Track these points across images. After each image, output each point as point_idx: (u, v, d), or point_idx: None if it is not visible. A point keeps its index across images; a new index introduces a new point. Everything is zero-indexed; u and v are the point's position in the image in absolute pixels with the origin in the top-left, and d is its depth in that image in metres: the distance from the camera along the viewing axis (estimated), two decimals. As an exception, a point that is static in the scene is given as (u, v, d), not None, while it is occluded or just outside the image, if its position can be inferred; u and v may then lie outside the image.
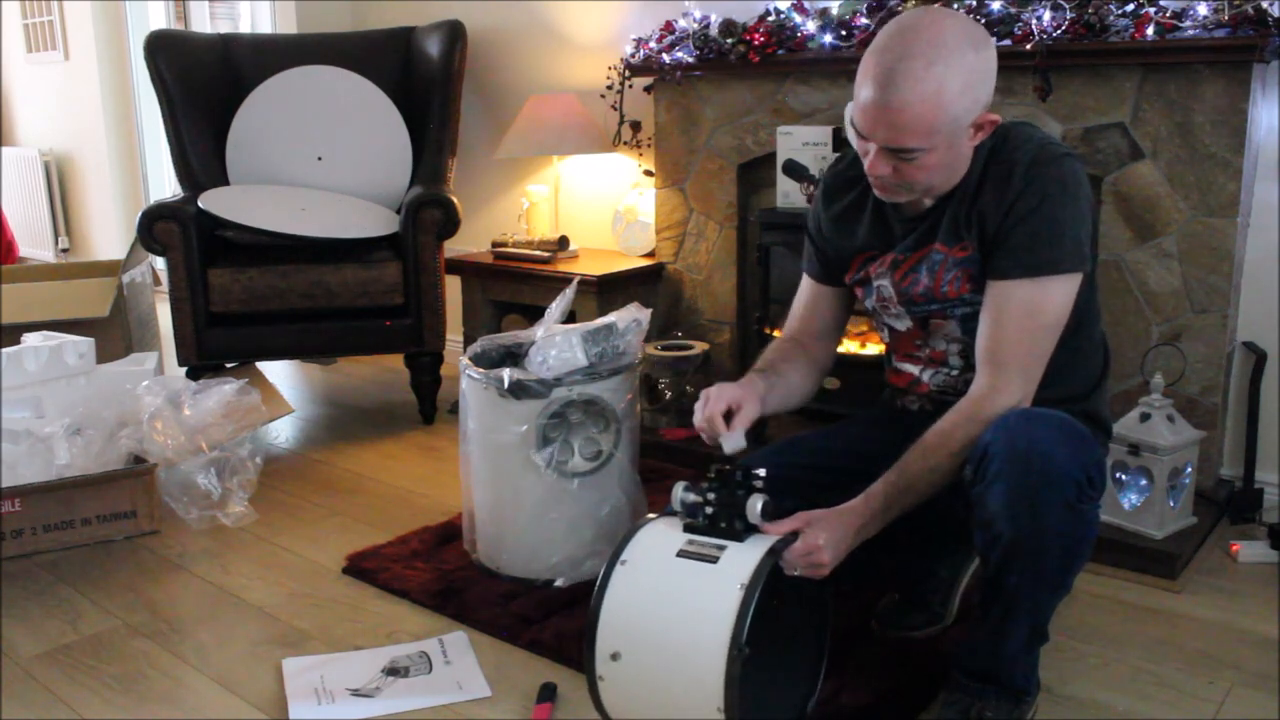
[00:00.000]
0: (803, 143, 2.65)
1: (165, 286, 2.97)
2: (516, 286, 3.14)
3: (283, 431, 3.13)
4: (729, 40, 2.69)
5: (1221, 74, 2.12)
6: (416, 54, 3.44)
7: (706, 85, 2.90)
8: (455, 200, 3.04)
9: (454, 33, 3.34)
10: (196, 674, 1.80)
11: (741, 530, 1.40)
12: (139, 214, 2.95)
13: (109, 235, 5.45)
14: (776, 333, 2.54)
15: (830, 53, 2.55)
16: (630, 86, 3.04)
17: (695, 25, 2.79)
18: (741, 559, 1.36)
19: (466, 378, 2.05)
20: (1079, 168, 1.48)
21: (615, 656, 1.38)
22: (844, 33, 2.52)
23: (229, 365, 3.07)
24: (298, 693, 1.71)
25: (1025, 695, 1.56)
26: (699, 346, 2.85)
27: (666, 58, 2.84)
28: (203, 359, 2.97)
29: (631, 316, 2.08)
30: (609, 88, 3.09)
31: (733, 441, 1.49)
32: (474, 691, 1.72)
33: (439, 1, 3.61)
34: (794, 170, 2.62)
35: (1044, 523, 1.36)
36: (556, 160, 3.37)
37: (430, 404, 3.18)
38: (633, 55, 2.94)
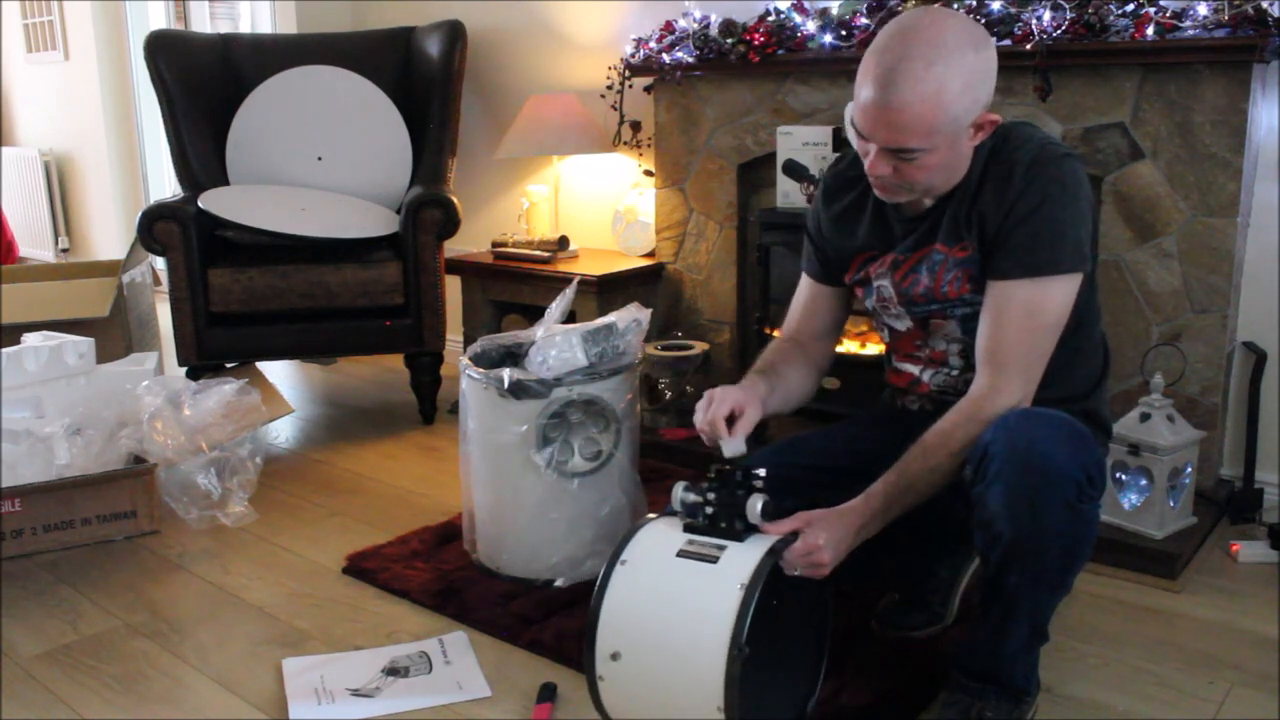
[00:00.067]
0: (803, 143, 2.65)
1: (165, 286, 2.97)
2: (516, 286, 3.13)
3: (283, 431, 3.13)
4: (729, 40, 2.69)
5: (1221, 74, 2.12)
6: (416, 54, 3.44)
7: (706, 85, 2.90)
8: (455, 200, 3.04)
9: (454, 33, 3.34)
10: (196, 674, 1.80)
11: (741, 530, 1.40)
12: (139, 214, 2.95)
13: (109, 235, 5.45)
14: (776, 333, 2.54)
15: (830, 53, 2.55)
16: (630, 86, 3.04)
17: (695, 25, 2.79)
18: (741, 559, 1.36)
19: (466, 378, 2.05)
20: (1079, 168, 1.48)
21: (615, 656, 1.38)
22: (844, 33, 2.52)
23: (229, 365, 3.07)
24: (298, 693, 1.71)
25: (1025, 695, 1.56)
26: (699, 346, 2.85)
27: (666, 58, 2.84)
28: (203, 359, 2.97)
29: (631, 316, 2.08)
30: (609, 88, 3.08)
31: (733, 446, 1.49)
32: (474, 691, 1.72)
33: (439, 1, 3.61)
34: (794, 170, 2.62)
35: (1044, 523, 1.36)
36: (556, 160, 3.36)
37: (430, 404, 3.18)
38: (633, 55, 2.94)
